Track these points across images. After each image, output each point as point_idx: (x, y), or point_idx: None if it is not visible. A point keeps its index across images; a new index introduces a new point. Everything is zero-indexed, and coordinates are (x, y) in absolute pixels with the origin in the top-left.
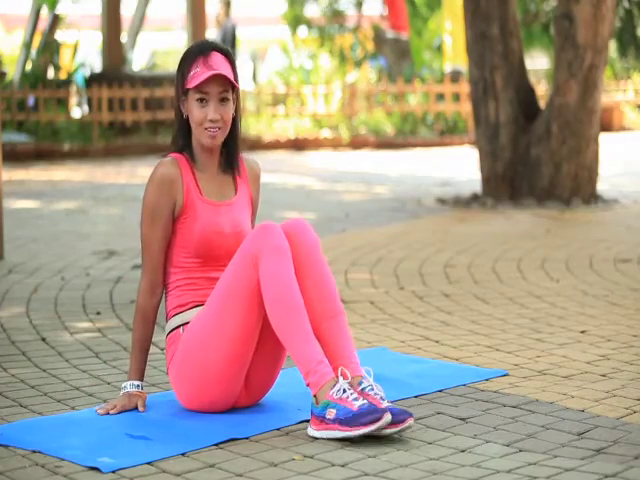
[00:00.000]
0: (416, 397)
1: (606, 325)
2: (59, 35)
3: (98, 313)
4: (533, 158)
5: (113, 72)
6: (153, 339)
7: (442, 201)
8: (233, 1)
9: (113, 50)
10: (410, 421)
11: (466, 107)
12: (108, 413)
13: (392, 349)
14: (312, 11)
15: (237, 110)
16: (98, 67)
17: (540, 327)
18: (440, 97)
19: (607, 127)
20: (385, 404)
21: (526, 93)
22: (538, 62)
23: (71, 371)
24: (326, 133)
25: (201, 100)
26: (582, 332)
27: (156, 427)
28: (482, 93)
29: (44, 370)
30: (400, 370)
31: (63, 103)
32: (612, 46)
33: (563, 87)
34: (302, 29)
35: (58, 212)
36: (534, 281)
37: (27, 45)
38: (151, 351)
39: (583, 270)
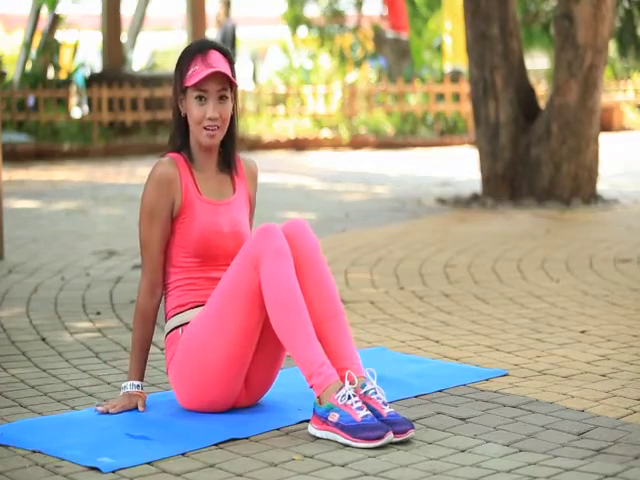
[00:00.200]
0: (416, 397)
1: (606, 325)
2: (59, 35)
3: (98, 313)
4: (533, 158)
5: (113, 72)
6: (153, 339)
7: (442, 201)
8: (233, 1)
9: (113, 50)
10: (411, 432)
11: (466, 107)
12: (107, 412)
13: (392, 349)
14: (312, 11)
15: (234, 109)
16: (98, 67)
17: (540, 327)
18: (440, 97)
19: (607, 127)
20: (387, 410)
21: (526, 93)
22: (538, 62)
23: (71, 371)
24: (326, 133)
25: (200, 98)
26: (582, 332)
27: (156, 427)
28: (482, 93)
29: (44, 370)
30: (400, 370)
31: (63, 103)
32: (612, 46)
33: (563, 87)
34: (302, 29)
35: (58, 212)
36: (534, 281)
37: (27, 45)
38: (151, 351)
39: (583, 270)
